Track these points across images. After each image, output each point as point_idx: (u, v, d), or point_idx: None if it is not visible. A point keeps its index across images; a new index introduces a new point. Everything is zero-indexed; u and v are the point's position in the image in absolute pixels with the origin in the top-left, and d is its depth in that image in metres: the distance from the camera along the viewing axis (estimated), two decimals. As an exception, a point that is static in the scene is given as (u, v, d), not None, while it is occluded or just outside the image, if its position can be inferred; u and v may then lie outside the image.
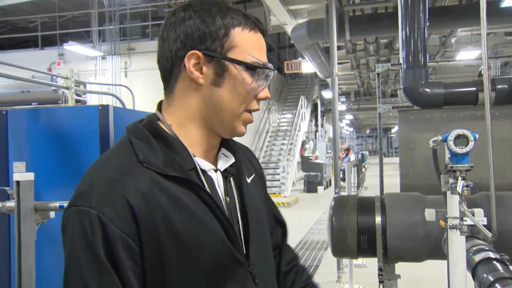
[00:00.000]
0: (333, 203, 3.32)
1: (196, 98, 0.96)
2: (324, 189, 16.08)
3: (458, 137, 1.85)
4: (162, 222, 0.85)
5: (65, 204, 2.23)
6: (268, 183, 13.01)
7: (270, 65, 0.97)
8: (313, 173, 15.73)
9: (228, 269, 0.91)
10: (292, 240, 1.98)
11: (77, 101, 7.50)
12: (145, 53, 13.03)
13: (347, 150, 16.01)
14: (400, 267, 3.37)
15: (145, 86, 12.55)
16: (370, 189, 9.55)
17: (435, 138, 1.94)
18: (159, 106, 1.01)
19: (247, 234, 0.98)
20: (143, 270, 0.84)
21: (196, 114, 0.97)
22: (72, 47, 11.33)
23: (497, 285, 1.99)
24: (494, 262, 2.28)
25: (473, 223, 1.85)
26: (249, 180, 1.07)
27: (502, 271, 2.17)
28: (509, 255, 2.40)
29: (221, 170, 1.01)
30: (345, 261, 5.39)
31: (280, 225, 1.21)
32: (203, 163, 0.97)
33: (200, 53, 0.93)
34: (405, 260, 3.23)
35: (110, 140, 2.90)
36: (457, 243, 1.89)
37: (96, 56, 12.64)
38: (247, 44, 0.95)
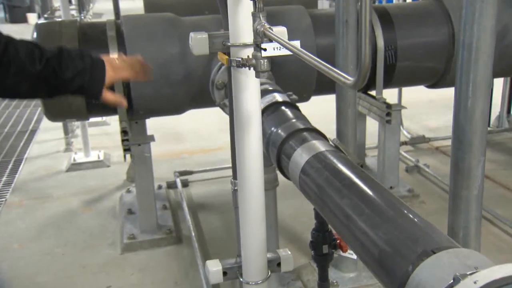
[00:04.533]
0: (35, 34, 2.02)
1: None
2: (39, 17, 13.38)
3: None
4: None
5: None
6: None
7: None
8: (17, -5, 12.74)
9: None
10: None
11: None
12: None
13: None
14: (155, 123, 2.44)
15: None
16: (105, 17, 7.75)
17: None
18: None
19: None
20: None
21: None
22: None
23: (291, 143, 1.41)
24: (283, 107, 1.66)
25: (274, 54, 1.01)
26: None
27: (294, 120, 1.54)
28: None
29: None
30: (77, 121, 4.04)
31: None
32: None
33: None
34: (161, 114, 2.32)
35: None
36: (247, 87, 1.08)
37: None
38: None
